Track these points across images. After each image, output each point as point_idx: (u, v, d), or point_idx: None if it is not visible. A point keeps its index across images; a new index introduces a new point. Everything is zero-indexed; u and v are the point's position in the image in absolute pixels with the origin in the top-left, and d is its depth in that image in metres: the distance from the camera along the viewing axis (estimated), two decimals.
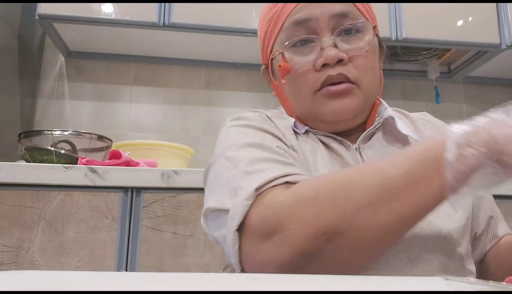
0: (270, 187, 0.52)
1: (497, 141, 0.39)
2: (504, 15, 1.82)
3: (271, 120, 0.70)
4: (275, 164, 0.56)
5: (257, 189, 0.51)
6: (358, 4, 0.67)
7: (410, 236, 0.56)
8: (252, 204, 0.51)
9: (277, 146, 0.60)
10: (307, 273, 0.37)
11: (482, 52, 1.90)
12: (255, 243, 0.49)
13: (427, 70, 2.08)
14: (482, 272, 0.69)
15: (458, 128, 0.43)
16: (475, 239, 0.70)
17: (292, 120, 0.69)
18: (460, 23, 1.81)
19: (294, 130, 0.68)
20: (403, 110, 0.77)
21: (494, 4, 1.84)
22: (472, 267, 0.62)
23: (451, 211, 0.61)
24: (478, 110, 2.14)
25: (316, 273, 0.38)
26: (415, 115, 0.76)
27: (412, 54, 2.03)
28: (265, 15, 0.72)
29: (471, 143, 0.41)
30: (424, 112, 0.77)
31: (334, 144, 0.66)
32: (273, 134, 0.64)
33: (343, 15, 0.64)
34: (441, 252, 0.58)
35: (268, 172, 0.53)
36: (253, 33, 1.70)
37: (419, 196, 0.44)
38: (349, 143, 0.66)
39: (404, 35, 1.74)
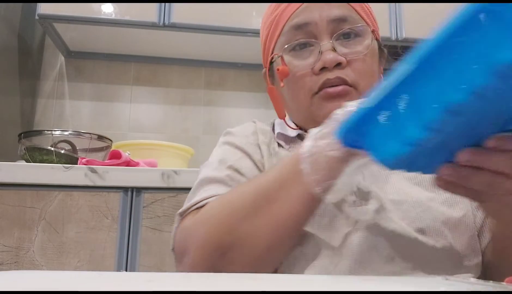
0: (193, 210, 0.57)
1: None
2: None
3: (257, 134, 0.71)
4: (217, 185, 0.60)
5: (180, 214, 0.58)
6: (358, 8, 0.68)
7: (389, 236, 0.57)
8: (177, 228, 0.58)
9: (236, 167, 0.63)
10: None
11: None
12: (176, 265, 0.57)
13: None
14: (487, 269, 0.68)
15: (318, 128, 0.47)
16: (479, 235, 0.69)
17: (277, 131, 0.71)
18: None
19: (278, 142, 0.70)
20: None
21: None
22: (469, 263, 0.60)
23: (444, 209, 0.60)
24: None
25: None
26: None
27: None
28: (266, 19, 0.73)
29: (324, 136, 0.45)
30: None
31: None
32: (245, 152, 0.67)
33: (342, 20, 0.65)
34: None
35: (201, 194, 0.59)
36: (253, 33, 1.70)
37: (289, 194, 0.48)
38: None
39: (404, 35, 1.74)
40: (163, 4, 1.65)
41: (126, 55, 1.96)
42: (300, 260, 0.56)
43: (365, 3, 0.71)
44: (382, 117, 0.36)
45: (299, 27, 0.66)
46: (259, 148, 0.69)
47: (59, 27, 1.70)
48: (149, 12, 1.64)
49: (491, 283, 0.29)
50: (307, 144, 0.47)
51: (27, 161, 1.32)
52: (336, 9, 0.65)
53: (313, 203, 0.49)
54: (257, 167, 0.66)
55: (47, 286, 0.27)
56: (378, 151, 0.37)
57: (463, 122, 0.33)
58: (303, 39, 0.66)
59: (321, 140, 0.46)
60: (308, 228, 0.56)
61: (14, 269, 1.11)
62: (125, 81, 1.96)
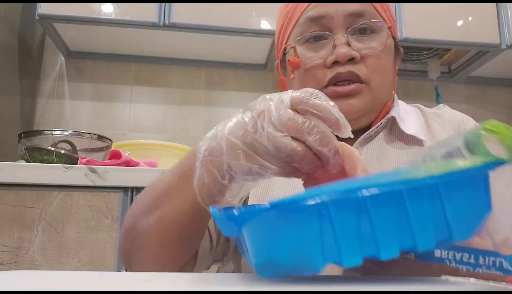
0: None
1: (217, 146, 0.39)
2: (504, 15, 1.82)
3: None
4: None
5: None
6: (376, 4, 0.66)
7: None
8: None
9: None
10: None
11: (483, 52, 1.90)
12: None
13: (428, 70, 2.08)
14: None
15: (224, 121, 0.42)
16: None
17: None
18: (460, 23, 1.81)
19: None
20: (421, 106, 0.75)
21: (494, 4, 1.84)
22: None
23: None
24: (479, 110, 2.15)
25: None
26: (430, 110, 0.74)
27: (413, 54, 2.03)
28: (282, 10, 0.71)
29: (216, 136, 0.39)
30: (440, 105, 0.75)
31: None
32: None
33: (358, 14, 0.63)
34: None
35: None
36: (254, 33, 1.70)
37: (177, 196, 0.48)
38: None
39: (404, 35, 1.74)
40: (163, 4, 1.65)
41: (126, 55, 1.96)
42: None
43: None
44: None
45: (314, 19, 0.64)
46: None
47: (59, 27, 1.70)
48: (149, 12, 1.64)
49: (491, 283, 0.29)
50: (200, 144, 0.40)
51: (27, 161, 1.32)
52: (354, 4, 0.63)
53: (199, 210, 0.44)
54: None
55: (47, 286, 0.26)
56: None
57: None
58: (318, 31, 0.64)
59: (213, 141, 0.39)
60: None
61: (14, 269, 1.11)
62: (125, 81, 1.96)
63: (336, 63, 0.62)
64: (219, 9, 1.68)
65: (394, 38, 0.68)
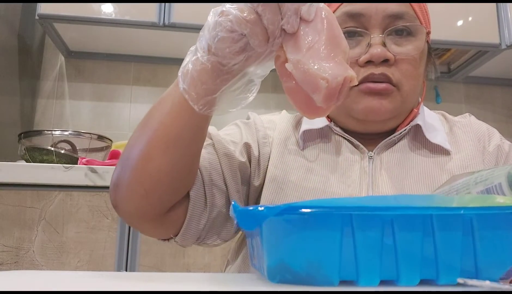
0: None
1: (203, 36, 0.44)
2: (504, 15, 1.82)
3: (273, 122, 0.70)
4: None
5: None
6: (416, 7, 0.64)
7: None
8: None
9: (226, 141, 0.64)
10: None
11: (482, 52, 1.90)
12: None
13: (427, 70, 2.08)
14: None
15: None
16: None
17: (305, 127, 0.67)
18: (460, 23, 1.81)
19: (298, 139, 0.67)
20: (446, 114, 0.73)
21: (494, 4, 1.84)
22: None
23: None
24: (478, 110, 2.15)
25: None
26: (455, 118, 0.72)
27: None
28: None
29: (196, 51, 0.46)
30: (466, 114, 0.73)
31: (347, 153, 0.65)
32: (240, 138, 0.66)
33: (398, 16, 0.61)
34: None
35: None
36: None
37: (163, 108, 0.51)
38: (365, 149, 0.64)
39: None
40: (163, 4, 1.65)
41: (126, 55, 1.95)
42: None
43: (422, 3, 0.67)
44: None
45: (352, 15, 0.62)
46: (270, 145, 0.67)
47: (59, 27, 1.70)
48: (149, 12, 1.64)
49: (501, 284, 0.29)
50: (184, 60, 0.47)
51: (27, 161, 1.32)
52: (394, 4, 0.61)
53: (186, 115, 0.49)
54: (247, 152, 0.64)
55: (47, 286, 0.27)
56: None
57: None
58: (354, 27, 0.62)
59: (193, 55, 0.46)
60: None
61: (14, 269, 1.11)
62: (125, 81, 1.96)
63: (369, 62, 0.61)
64: None
65: (428, 43, 0.67)
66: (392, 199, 0.33)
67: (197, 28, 1.67)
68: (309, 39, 0.41)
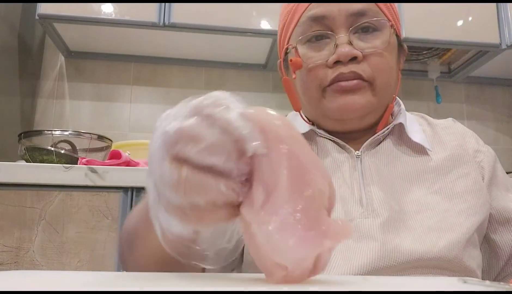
0: None
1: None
2: (504, 15, 1.82)
3: None
4: None
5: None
6: (380, 4, 0.65)
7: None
8: None
9: None
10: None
11: (483, 52, 1.90)
12: None
13: (428, 70, 2.08)
14: None
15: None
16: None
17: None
18: (460, 23, 1.81)
19: None
20: (426, 116, 0.74)
21: (494, 4, 1.84)
22: (471, 263, 0.58)
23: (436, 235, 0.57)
24: (479, 110, 2.15)
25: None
26: (437, 121, 0.73)
27: (413, 54, 2.03)
28: (283, 10, 0.71)
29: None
30: (449, 119, 0.75)
31: (335, 153, 0.65)
32: None
33: (360, 14, 0.62)
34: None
35: None
36: (254, 33, 1.70)
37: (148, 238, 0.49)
38: (351, 149, 0.65)
39: (404, 35, 1.74)
40: (163, 4, 1.65)
41: (126, 55, 1.95)
42: None
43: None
44: None
45: (316, 18, 0.63)
46: None
47: (59, 27, 1.70)
48: (149, 12, 1.64)
49: (501, 284, 0.29)
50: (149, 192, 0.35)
51: (27, 161, 1.32)
52: (356, 3, 0.63)
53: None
54: None
55: (47, 286, 0.26)
56: None
57: None
58: (319, 31, 0.63)
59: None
60: None
61: (14, 269, 1.11)
62: (125, 81, 1.96)
63: (338, 62, 0.62)
64: (219, 9, 1.68)
65: (398, 36, 0.67)
66: None
67: (197, 28, 1.67)
68: (260, 189, 0.28)
